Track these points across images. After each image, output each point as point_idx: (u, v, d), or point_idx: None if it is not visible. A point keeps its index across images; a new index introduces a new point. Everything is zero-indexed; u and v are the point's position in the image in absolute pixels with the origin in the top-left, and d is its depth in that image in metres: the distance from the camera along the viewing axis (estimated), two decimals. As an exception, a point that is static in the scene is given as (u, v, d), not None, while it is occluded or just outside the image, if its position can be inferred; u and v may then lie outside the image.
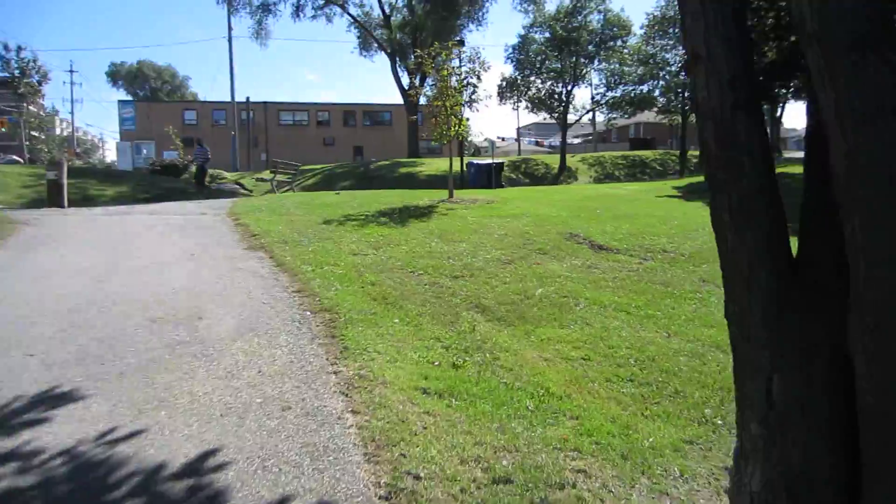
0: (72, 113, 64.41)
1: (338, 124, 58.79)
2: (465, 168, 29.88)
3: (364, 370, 4.15)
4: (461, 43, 32.92)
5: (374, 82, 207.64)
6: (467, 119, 14.07)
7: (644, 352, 5.09)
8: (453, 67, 13.66)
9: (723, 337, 5.68)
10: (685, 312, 6.27)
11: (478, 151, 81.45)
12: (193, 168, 22.47)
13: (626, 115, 41.21)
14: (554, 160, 41.66)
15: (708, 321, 6.01)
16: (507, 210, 12.12)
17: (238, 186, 29.37)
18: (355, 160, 55.24)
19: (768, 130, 2.41)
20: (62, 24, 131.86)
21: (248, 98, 46.46)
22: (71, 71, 65.67)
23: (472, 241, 8.99)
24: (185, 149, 33.37)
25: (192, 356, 4.33)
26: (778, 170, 2.32)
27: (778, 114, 52.97)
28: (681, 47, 43.17)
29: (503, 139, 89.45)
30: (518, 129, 70.37)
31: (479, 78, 13.39)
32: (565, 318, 5.86)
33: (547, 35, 38.31)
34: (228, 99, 44.65)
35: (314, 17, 43.44)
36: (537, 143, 77.26)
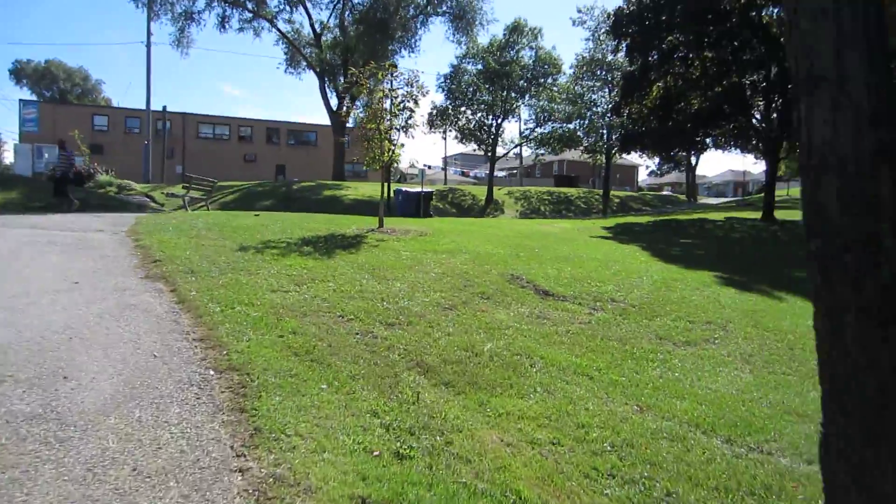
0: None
1: (260, 141, 56.83)
2: (391, 195, 29.07)
3: (281, 467, 3.12)
4: (395, 66, 32.35)
5: (300, 101, 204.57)
6: (402, 145, 13.24)
7: (619, 433, 4.29)
8: (389, 89, 12.81)
9: (698, 412, 5.01)
10: (651, 378, 5.55)
11: (404, 178, 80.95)
12: (56, 175, 18.76)
13: (556, 153, 41.57)
14: (480, 191, 41.45)
15: (678, 391, 5.30)
16: (443, 244, 11.29)
17: (148, 199, 27.34)
18: (277, 179, 53.42)
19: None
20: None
21: (164, 107, 44.01)
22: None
23: (407, 280, 8.06)
24: (93, 156, 31.01)
25: (41, 441, 3.16)
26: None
27: (693, 161, 55.32)
28: (609, 89, 44.44)
29: (429, 167, 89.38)
30: (445, 158, 70.25)
31: (416, 102, 12.50)
32: (522, 383, 5.01)
33: (479, 67, 38.27)
34: (143, 107, 41.97)
35: (241, 29, 41.90)
36: (463, 174, 77.55)
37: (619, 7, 26.37)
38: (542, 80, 38.47)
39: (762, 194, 57.05)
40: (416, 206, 24.21)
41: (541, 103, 39.38)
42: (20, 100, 52.77)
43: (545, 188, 44.86)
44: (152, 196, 28.65)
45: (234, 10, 40.26)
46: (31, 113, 48.91)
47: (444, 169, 70.61)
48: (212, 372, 4.35)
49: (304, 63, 44.37)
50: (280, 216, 15.11)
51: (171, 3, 37.85)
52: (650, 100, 26.22)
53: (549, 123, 39.66)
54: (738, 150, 28.69)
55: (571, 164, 66.07)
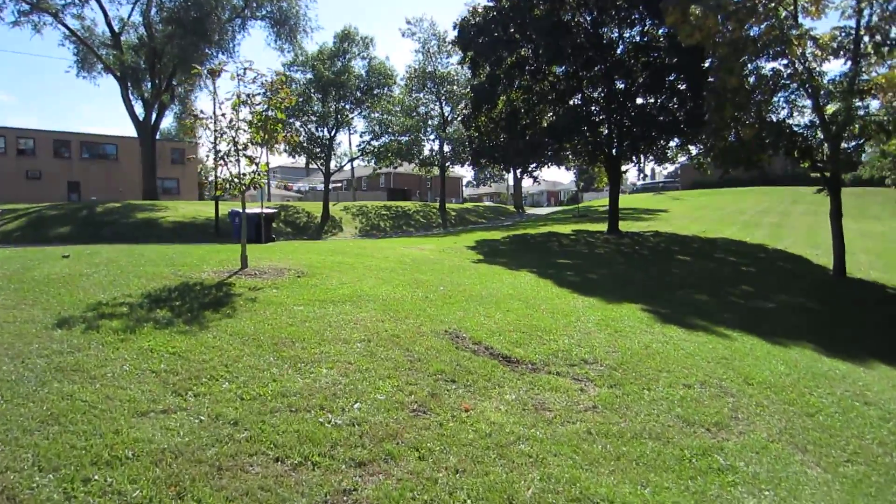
0: None
1: (46, 155, 48.66)
2: (218, 217, 25.47)
3: None
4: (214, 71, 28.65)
5: (93, 110, 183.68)
6: (266, 164, 10.52)
7: None
8: (248, 95, 10.10)
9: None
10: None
11: (214, 194, 75.00)
12: None
13: (395, 166, 39.92)
14: (314, 208, 38.58)
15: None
16: (334, 290, 8.90)
17: None
18: (70, 199, 46.18)
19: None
20: None
21: (-85, 113, 35.64)
22: None
23: (332, 360, 5.67)
24: None
25: None
26: None
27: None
28: (441, 102, 43.80)
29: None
30: (268, 171, 65.70)
31: (280, 109, 9.99)
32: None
33: (310, 76, 35.50)
34: None
35: (16, 23, 35.04)
36: (286, 188, 73.38)
37: (465, 17, 25.33)
38: (377, 91, 36.61)
39: (576, 205, 60.15)
40: (257, 229, 21.12)
41: (376, 115, 37.53)
42: None
43: (381, 203, 43.04)
44: None
45: (7, 1, 33.56)
46: None
47: (268, 183, 66.04)
48: None
49: (101, 66, 38.45)
50: (97, 254, 11.58)
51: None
52: (496, 112, 25.46)
53: (386, 136, 37.94)
54: (584, 166, 28.96)
55: (399, 176, 65.00)
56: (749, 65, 18.28)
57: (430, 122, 42.49)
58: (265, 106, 10.13)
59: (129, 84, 36.92)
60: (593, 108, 23.83)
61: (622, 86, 23.50)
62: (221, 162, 10.04)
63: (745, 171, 21.00)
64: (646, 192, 59.08)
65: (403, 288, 9.71)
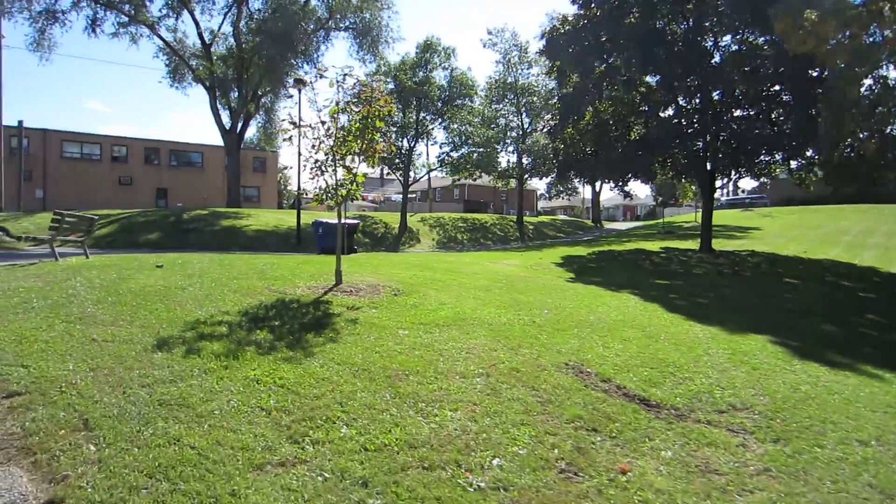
0: None
1: (137, 162, 50.68)
2: (300, 228, 25.47)
3: None
4: (303, 82, 28.81)
5: (181, 120, 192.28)
6: (363, 175, 10.04)
7: None
8: (347, 103, 9.66)
9: None
10: None
11: (297, 203, 76.40)
12: None
13: (475, 178, 39.38)
14: (392, 219, 38.45)
15: None
16: (435, 311, 8.29)
17: (1, 232, 22.15)
18: (158, 205, 47.87)
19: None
20: None
21: (20, 122, 37.53)
22: None
23: (456, 401, 4.99)
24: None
25: None
26: None
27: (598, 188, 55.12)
28: (523, 114, 43.08)
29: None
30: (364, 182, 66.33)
31: (378, 117, 9.50)
32: None
33: (392, 86, 35.47)
34: None
35: (115, 34, 36.57)
36: (360, 198, 74.03)
37: (553, 26, 24.53)
38: (458, 102, 36.21)
39: (656, 220, 58.01)
40: (340, 240, 20.86)
41: (456, 126, 37.11)
42: None
43: (457, 214, 42.57)
44: (6, 228, 23.40)
45: (108, 13, 35.02)
46: None
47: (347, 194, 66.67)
48: None
49: (191, 76, 39.64)
50: (188, 264, 11.41)
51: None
52: (583, 123, 24.47)
53: (466, 146, 37.45)
54: (674, 180, 27.57)
55: (474, 188, 64.50)
56: (871, 74, 16.78)
57: (509, 134, 41.77)
58: (362, 115, 9.67)
59: (217, 93, 37.89)
60: (688, 120, 22.50)
61: (719, 97, 22.12)
62: (318, 171, 9.62)
63: (858, 191, 19.33)
64: (732, 207, 56.29)
65: (506, 310, 9.00)
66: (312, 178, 9.63)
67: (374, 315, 7.75)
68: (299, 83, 28.50)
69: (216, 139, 40.26)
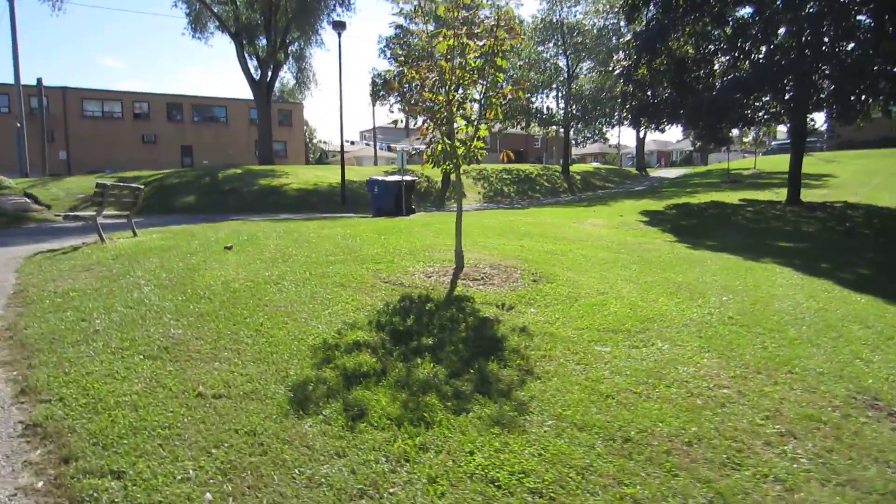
0: None
1: (160, 118, 48.66)
2: (344, 184, 23.38)
3: None
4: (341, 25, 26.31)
5: (200, 74, 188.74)
6: (486, 128, 7.90)
7: None
8: (468, 14, 7.55)
9: None
10: None
11: (324, 157, 74.20)
12: None
13: (523, 127, 36.82)
14: (433, 172, 36.17)
15: None
16: (599, 305, 6.29)
17: (28, 201, 20.43)
18: (184, 163, 45.96)
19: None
20: None
21: (39, 80, 35.30)
22: None
23: (775, 499, 3.04)
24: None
25: None
26: None
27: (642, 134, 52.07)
28: (569, 56, 40.03)
29: (352, 143, 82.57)
30: (374, 131, 64.09)
31: (500, 54, 7.35)
32: None
33: (432, 27, 32.65)
34: (11, 80, 32.94)
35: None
36: (389, 148, 71.54)
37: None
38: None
39: (705, 166, 54.97)
40: (396, 201, 18.86)
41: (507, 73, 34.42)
42: None
43: (500, 166, 40.02)
44: (34, 195, 21.66)
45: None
46: None
47: (374, 144, 64.38)
48: None
49: (214, 25, 37.12)
50: (256, 239, 9.45)
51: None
52: (657, 63, 21.83)
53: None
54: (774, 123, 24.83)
55: (510, 137, 61.69)
56: None
57: (556, 78, 38.86)
58: (483, 50, 7.58)
59: (243, 42, 35.42)
60: (786, 57, 19.71)
61: (829, 30, 19.27)
62: (431, 124, 7.53)
63: None
64: (783, 153, 53.09)
65: (677, 299, 6.97)
66: (426, 133, 7.55)
67: (539, 319, 5.73)
68: (339, 26, 26.04)
69: (236, 93, 37.88)
